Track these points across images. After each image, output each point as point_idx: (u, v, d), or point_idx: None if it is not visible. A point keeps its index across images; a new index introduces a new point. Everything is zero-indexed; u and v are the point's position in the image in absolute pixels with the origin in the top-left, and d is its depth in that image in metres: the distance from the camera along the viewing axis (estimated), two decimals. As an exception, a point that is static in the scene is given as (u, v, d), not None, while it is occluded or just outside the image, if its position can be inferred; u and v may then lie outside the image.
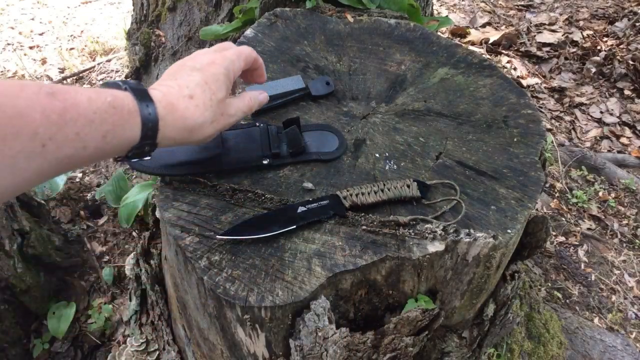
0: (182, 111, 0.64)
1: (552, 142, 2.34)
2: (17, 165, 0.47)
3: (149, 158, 0.64)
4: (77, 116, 0.52)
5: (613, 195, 2.15)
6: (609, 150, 2.45)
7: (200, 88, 0.66)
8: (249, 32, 1.13)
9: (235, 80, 0.76)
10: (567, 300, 1.72)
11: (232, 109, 0.72)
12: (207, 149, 0.82)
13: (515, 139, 0.92)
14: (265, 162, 0.82)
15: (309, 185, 0.80)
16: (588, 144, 2.48)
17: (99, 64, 2.99)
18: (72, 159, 0.53)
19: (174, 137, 0.65)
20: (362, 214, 0.76)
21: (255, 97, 0.78)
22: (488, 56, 2.99)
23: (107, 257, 1.70)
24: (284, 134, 0.85)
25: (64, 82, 2.83)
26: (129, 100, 0.59)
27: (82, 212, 1.81)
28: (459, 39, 3.15)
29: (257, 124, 0.86)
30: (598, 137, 2.53)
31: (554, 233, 1.94)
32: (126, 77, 2.26)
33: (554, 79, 2.90)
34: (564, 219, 2.01)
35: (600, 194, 2.15)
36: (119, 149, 0.60)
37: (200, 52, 0.73)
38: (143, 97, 0.61)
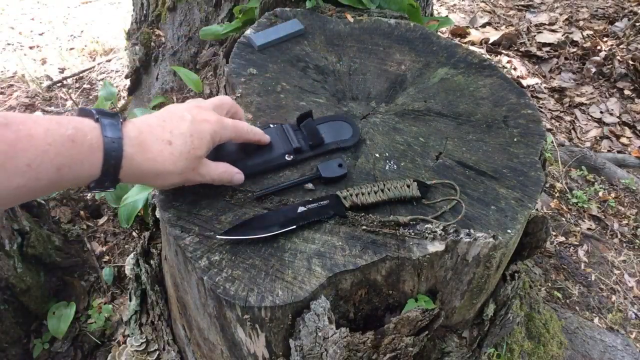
0: (154, 153, 0.62)
1: (552, 142, 2.34)
2: None
3: (113, 190, 0.63)
4: (29, 147, 0.51)
5: (613, 195, 2.15)
6: (609, 150, 2.45)
7: (182, 138, 0.65)
8: (248, 32, 1.13)
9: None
10: (567, 300, 1.72)
11: (204, 169, 0.70)
12: (226, 155, 0.79)
13: (515, 139, 0.92)
14: (288, 158, 0.82)
15: (309, 185, 0.80)
16: (588, 144, 2.48)
17: (99, 64, 2.99)
18: (25, 189, 0.53)
19: (137, 177, 0.63)
20: (362, 214, 0.76)
21: (230, 172, 0.74)
22: (488, 56, 2.98)
23: (107, 257, 1.70)
24: (301, 128, 0.85)
25: (64, 81, 2.83)
26: (94, 134, 0.57)
27: (82, 212, 1.81)
28: (459, 39, 3.15)
29: (270, 125, 0.86)
30: (598, 137, 2.53)
31: (554, 233, 1.94)
32: (126, 77, 2.26)
33: (554, 79, 2.90)
34: (564, 219, 2.01)
35: (600, 194, 2.14)
36: (76, 182, 0.58)
37: (200, 104, 0.71)
38: (112, 132, 0.58)
